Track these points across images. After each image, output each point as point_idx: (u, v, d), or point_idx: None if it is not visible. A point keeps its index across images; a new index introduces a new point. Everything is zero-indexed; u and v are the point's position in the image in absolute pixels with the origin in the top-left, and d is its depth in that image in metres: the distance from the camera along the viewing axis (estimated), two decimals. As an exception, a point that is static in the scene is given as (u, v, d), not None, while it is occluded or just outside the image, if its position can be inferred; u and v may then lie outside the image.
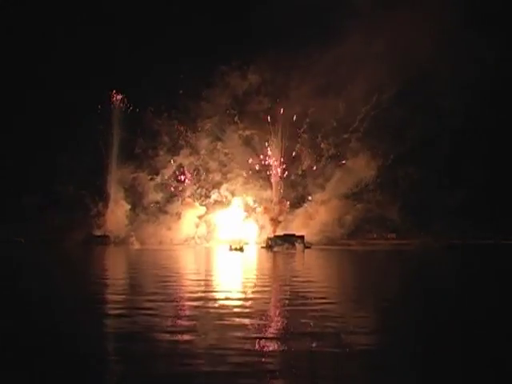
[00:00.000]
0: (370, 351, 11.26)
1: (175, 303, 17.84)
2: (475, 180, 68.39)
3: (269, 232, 75.75)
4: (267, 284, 25.79)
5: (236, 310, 16.40)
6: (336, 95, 71.33)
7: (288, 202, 79.17)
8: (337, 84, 70.03)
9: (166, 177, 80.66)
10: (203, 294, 20.00)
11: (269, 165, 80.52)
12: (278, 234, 73.05)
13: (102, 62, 73.06)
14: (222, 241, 77.20)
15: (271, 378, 9.08)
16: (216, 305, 17.43)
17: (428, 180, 72.99)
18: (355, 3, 66.98)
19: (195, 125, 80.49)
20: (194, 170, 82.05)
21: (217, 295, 20.20)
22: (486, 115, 69.69)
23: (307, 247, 65.93)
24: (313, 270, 36.83)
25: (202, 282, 25.49)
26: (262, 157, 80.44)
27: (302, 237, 68.57)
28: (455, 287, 24.47)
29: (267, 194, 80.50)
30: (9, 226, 69.76)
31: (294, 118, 76.98)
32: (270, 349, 11.21)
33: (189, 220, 79.33)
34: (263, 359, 10.22)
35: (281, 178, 79.71)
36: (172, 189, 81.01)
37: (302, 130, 77.48)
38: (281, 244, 66.88)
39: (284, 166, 79.60)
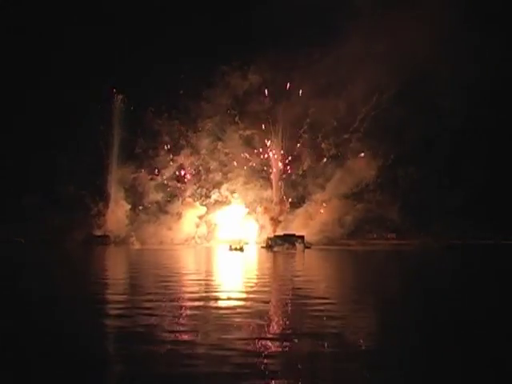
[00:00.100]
0: (370, 351, 11.28)
1: (176, 303, 17.85)
2: (475, 180, 68.42)
3: (269, 232, 75.81)
4: (267, 284, 25.80)
5: (237, 310, 16.41)
6: (336, 95, 71.38)
7: (288, 202, 79.31)
8: (337, 84, 70.09)
9: (167, 177, 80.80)
10: (204, 294, 20.01)
11: (269, 165, 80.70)
12: (277, 233, 73.08)
13: (102, 62, 73.08)
14: (222, 241, 77.30)
15: (274, 379, 9.09)
16: (217, 304, 17.44)
17: (428, 180, 73.05)
18: (355, 3, 67.12)
19: (196, 125, 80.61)
20: (195, 170, 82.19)
21: (217, 295, 20.21)
22: (486, 115, 69.71)
23: (307, 247, 65.95)
24: (313, 271, 36.84)
25: (203, 282, 25.51)
26: (262, 157, 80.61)
27: (302, 237, 68.58)
28: (455, 287, 24.49)
29: (267, 193, 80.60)
30: (9, 226, 69.79)
31: (295, 117, 77.01)
32: (271, 349, 11.22)
33: (189, 220, 79.42)
34: (265, 360, 10.23)
35: (281, 177, 79.82)
36: (172, 189, 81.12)
37: (302, 129, 77.57)
38: (281, 244, 66.89)
39: (284, 166, 79.74)
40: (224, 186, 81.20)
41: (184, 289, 22.62)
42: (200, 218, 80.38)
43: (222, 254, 57.01)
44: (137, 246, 71.18)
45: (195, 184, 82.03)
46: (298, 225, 74.58)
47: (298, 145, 78.41)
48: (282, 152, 79.39)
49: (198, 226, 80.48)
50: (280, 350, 11.23)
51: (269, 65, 73.88)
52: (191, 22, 75.62)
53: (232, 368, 9.75)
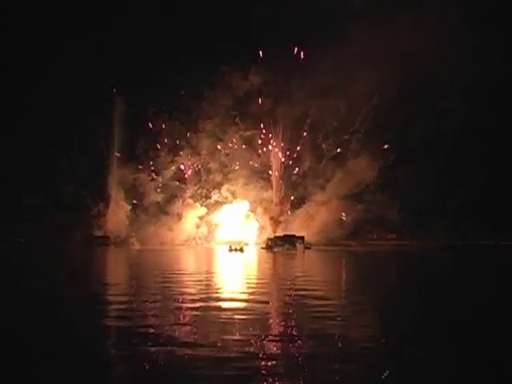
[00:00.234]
0: (370, 351, 11.30)
1: (177, 304, 17.86)
2: (475, 180, 68.46)
3: (269, 232, 75.82)
4: (268, 284, 25.82)
5: (237, 310, 16.42)
6: (337, 96, 71.49)
7: (289, 203, 79.34)
8: (338, 85, 70.18)
9: (167, 177, 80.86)
10: (204, 295, 20.02)
11: (269, 165, 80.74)
12: (278, 234, 73.09)
13: (103, 63, 73.27)
14: (222, 241, 77.35)
15: (277, 381, 9.11)
16: (218, 305, 17.45)
17: (428, 180, 73.09)
18: (356, 4, 67.22)
19: (196, 125, 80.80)
20: (195, 171, 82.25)
21: (217, 296, 20.21)
22: (486, 115, 69.76)
23: (307, 248, 65.96)
24: (314, 271, 36.83)
25: (203, 283, 25.51)
26: (262, 157, 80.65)
27: (302, 237, 68.59)
28: (455, 288, 24.49)
29: (268, 194, 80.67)
30: (9, 226, 69.89)
31: (295, 118, 77.05)
32: (273, 351, 11.24)
33: (190, 221, 79.47)
34: (269, 362, 10.24)
35: (281, 178, 79.86)
36: (173, 189, 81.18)
37: (302, 130, 77.61)
38: (281, 244, 66.92)
39: (284, 167, 79.77)
40: (224, 187, 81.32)
41: (184, 290, 22.62)
42: (200, 218, 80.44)
43: (222, 254, 56.98)
44: (137, 246, 71.24)
45: (196, 185, 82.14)
46: (298, 225, 74.60)
47: (299, 146, 78.53)
48: (282, 153, 79.48)
49: (198, 227, 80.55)
50: (281, 351, 11.25)
51: (269, 65, 74.03)
52: (191, 22, 75.83)
53: (233, 370, 9.76)
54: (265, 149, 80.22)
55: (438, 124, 71.28)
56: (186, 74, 76.40)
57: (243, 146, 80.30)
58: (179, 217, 78.85)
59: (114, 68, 74.10)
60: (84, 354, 11.11)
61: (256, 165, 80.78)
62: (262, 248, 69.31)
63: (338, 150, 77.06)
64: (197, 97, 79.36)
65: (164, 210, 79.26)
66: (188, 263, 45.12)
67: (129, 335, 12.52)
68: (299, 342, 11.92)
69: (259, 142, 79.98)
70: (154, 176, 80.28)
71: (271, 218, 77.97)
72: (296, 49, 75.73)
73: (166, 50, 73.06)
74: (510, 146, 71.59)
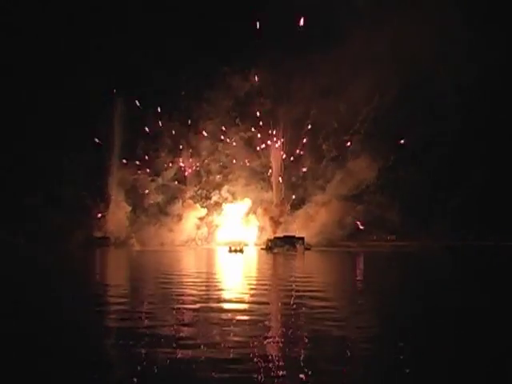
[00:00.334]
0: (370, 352, 11.31)
1: (177, 304, 17.86)
2: (475, 181, 68.44)
3: (269, 233, 75.79)
4: (268, 285, 25.82)
5: (238, 311, 16.42)
6: (337, 97, 71.46)
7: (289, 204, 79.32)
8: (338, 86, 70.17)
9: (167, 178, 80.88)
10: (204, 296, 20.02)
11: (269, 166, 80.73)
12: (277, 235, 73.04)
13: (104, 64, 73.28)
14: (222, 242, 77.36)
15: (278, 382, 9.12)
16: (218, 306, 17.45)
17: (428, 181, 73.03)
18: (356, 4, 67.22)
19: (196, 126, 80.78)
20: (195, 171, 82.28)
21: (218, 296, 20.22)
22: (485, 115, 69.76)
23: (307, 249, 65.93)
24: (314, 272, 36.82)
25: (203, 284, 25.51)
26: (262, 158, 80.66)
27: (302, 238, 68.56)
28: (454, 288, 24.48)
29: (268, 195, 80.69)
30: (9, 227, 69.87)
31: (295, 119, 77.04)
32: (274, 352, 11.24)
33: (190, 221, 79.48)
34: (270, 363, 10.25)
35: (281, 179, 79.85)
36: (173, 190, 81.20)
37: (302, 131, 77.61)
38: (281, 245, 66.85)
39: (285, 168, 79.77)
40: (224, 188, 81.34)
41: (184, 291, 22.62)
42: (200, 219, 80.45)
43: (222, 255, 56.98)
44: (137, 247, 71.22)
45: (196, 185, 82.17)
46: (298, 226, 74.56)
47: (299, 146, 78.54)
48: (282, 153, 79.47)
49: (198, 228, 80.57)
50: (282, 352, 11.26)
51: (270, 66, 74.02)
52: (192, 23, 75.85)
53: (234, 372, 9.76)
54: (265, 149, 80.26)
55: (438, 124, 71.29)
56: (187, 74, 76.50)
57: (243, 147, 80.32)
58: (179, 218, 78.87)
59: (114, 69, 74.20)
60: (84, 354, 11.12)
61: (256, 166, 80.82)
62: (262, 249, 69.25)
63: (338, 151, 77.04)
64: (197, 97, 79.44)
65: (164, 210, 79.29)
66: (188, 264, 45.09)
67: (129, 335, 12.52)
68: (299, 342, 11.92)
69: (259, 143, 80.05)
70: (155, 177, 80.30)
71: (271, 219, 77.97)
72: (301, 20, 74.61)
73: (166, 51, 73.20)
74: (510, 147, 71.61)
